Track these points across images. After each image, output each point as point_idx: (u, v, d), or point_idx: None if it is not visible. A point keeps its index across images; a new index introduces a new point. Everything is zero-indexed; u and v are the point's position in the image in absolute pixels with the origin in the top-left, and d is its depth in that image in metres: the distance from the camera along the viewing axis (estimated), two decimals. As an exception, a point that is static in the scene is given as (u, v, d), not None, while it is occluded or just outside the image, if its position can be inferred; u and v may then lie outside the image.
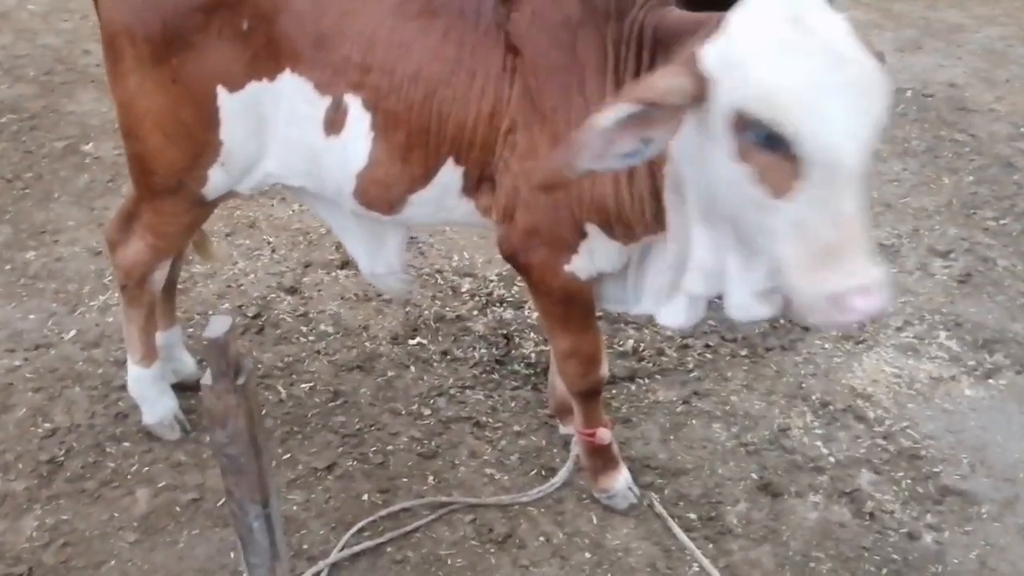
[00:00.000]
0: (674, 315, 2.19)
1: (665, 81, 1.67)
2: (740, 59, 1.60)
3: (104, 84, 5.17)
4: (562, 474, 2.79)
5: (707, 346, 3.42)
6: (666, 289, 2.19)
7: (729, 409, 3.13)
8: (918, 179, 4.68)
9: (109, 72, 2.41)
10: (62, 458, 2.78)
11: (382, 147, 2.28)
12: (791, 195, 1.63)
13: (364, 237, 2.59)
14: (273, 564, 2.10)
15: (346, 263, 3.79)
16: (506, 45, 2.13)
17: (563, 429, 2.95)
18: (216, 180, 2.43)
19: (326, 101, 2.27)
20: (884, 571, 2.59)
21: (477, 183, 2.30)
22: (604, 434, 2.64)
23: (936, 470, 2.91)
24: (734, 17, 1.66)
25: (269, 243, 3.92)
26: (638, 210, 2.11)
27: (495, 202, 2.28)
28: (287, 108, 2.31)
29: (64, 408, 2.97)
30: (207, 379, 1.84)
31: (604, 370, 2.54)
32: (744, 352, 3.40)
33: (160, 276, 2.71)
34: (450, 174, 2.28)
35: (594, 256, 2.26)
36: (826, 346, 3.45)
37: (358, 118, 2.26)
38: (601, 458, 2.70)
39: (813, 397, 3.19)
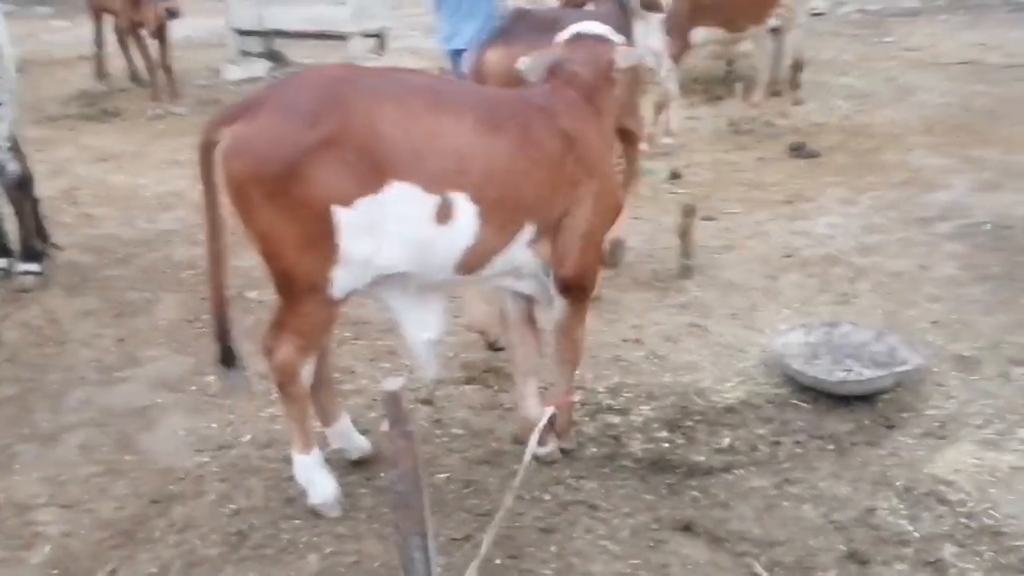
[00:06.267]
0: None
1: None
2: None
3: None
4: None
5: (796, 442, 3.79)
6: None
7: (818, 493, 3.46)
8: (997, 300, 5.02)
9: (241, 216, 2.90)
10: (247, 531, 3.33)
11: (487, 226, 3.08)
12: None
13: (414, 308, 3.26)
14: (428, 593, 2.56)
15: (471, 379, 4.37)
16: (561, 135, 3.18)
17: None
18: (340, 280, 3.01)
19: (435, 199, 2.95)
20: (968, 627, 2.84)
21: (539, 235, 3.26)
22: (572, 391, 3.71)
23: (1018, 544, 3.14)
24: None
25: (407, 365, 4.53)
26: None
27: (555, 248, 3.32)
28: (394, 211, 2.92)
29: (245, 494, 3.55)
30: (384, 427, 2.39)
31: None
32: (831, 447, 3.75)
33: (307, 373, 3.25)
34: (527, 232, 3.23)
35: None
36: (909, 441, 3.76)
37: (465, 208, 3.01)
38: (569, 415, 3.70)
39: (897, 483, 3.49)
